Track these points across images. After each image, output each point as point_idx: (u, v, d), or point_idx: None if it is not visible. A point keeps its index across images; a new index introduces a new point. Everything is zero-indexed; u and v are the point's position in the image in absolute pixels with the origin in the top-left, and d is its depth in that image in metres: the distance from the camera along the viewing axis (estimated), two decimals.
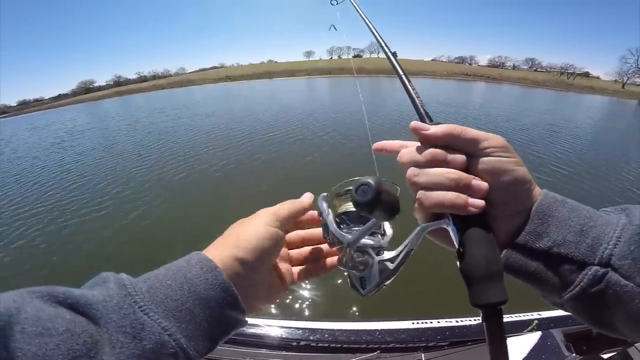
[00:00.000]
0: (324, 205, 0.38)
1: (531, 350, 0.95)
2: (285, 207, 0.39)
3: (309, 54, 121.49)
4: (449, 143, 0.33)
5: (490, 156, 0.32)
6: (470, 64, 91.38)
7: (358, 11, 0.52)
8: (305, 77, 46.27)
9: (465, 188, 0.31)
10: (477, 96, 23.65)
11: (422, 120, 0.37)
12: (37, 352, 0.20)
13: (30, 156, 11.81)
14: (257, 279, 0.35)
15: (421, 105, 0.39)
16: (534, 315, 1.09)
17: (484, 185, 0.31)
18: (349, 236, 0.35)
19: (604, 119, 16.15)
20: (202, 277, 0.30)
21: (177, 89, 51.42)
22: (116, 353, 0.24)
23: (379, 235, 0.38)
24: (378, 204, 0.32)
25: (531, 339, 1.00)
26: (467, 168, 0.33)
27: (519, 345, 0.98)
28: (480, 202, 0.31)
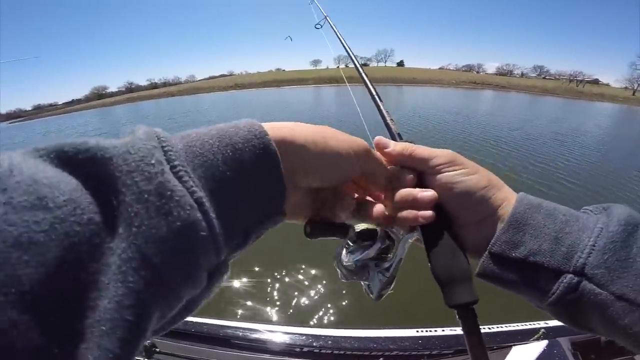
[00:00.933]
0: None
1: (537, 358, 0.93)
2: (373, 160, 0.34)
3: (315, 62, 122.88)
4: (402, 163, 0.36)
5: (439, 173, 0.34)
6: (478, 72, 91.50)
7: (337, 34, 0.60)
8: (313, 86, 46.63)
9: (414, 202, 0.33)
10: (484, 105, 23.50)
11: (393, 138, 0.40)
12: (21, 236, 0.14)
13: None
14: (303, 190, 0.30)
15: (391, 122, 0.41)
16: (541, 323, 1.07)
17: (427, 196, 0.33)
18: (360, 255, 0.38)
19: (614, 127, 15.87)
20: (249, 142, 0.23)
21: (186, 96, 52.30)
22: (131, 234, 0.17)
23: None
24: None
25: (537, 347, 0.99)
26: (425, 185, 0.35)
27: (525, 354, 0.96)
28: (428, 213, 0.33)
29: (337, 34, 0.58)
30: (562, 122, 15.23)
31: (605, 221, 0.29)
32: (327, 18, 0.65)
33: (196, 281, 0.20)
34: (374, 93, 0.45)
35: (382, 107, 0.42)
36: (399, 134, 0.40)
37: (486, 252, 0.32)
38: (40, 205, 0.15)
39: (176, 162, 0.19)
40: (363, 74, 0.49)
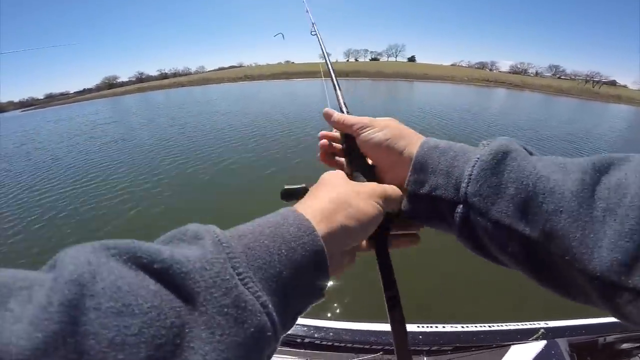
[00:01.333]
0: None
1: (535, 358, 0.94)
2: (394, 192, 0.37)
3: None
4: (340, 129, 0.43)
5: (360, 135, 0.40)
6: (491, 70, 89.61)
7: (320, 43, 0.72)
8: (322, 79, 46.17)
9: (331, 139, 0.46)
10: (495, 103, 23.08)
11: (340, 110, 0.48)
12: (115, 339, 0.15)
13: (50, 152, 12.25)
14: (341, 253, 0.32)
15: (342, 98, 0.52)
16: (541, 324, 1.08)
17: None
18: None
19: (629, 130, 15.46)
20: (300, 240, 0.26)
21: (196, 86, 52.40)
22: (215, 341, 0.19)
23: None
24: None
25: (536, 347, 0.99)
26: (356, 145, 0.41)
27: (523, 353, 0.97)
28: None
29: (320, 43, 0.71)
30: (575, 124, 14.91)
31: (481, 152, 0.31)
32: (314, 25, 0.76)
33: None
34: (335, 85, 0.56)
35: (339, 95, 0.52)
36: (346, 105, 0.50)
37: (405, 194, 0.36)
38: (127, 312, 0.16)
39: (241, 270, 0.22)
40: (331, 70, 0.60)
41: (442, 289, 3.12)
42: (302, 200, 0.33)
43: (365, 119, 0.41)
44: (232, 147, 8.86)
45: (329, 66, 0.61)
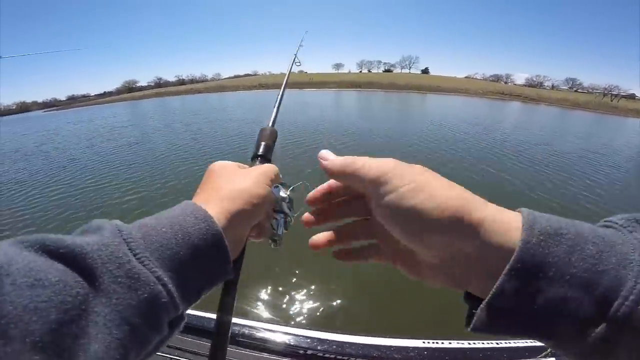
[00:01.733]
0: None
1: None
2: (274, 172, 0.43)
3: (338, 66, 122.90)
4: (341, 180, 0.34)
5: (379, 196, 0.28)
6: (506, 83, 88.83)
7: (292, 61, 0.85)
8: (335, 90, 46.58)
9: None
10: (510, 116, 22.69)
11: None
12: (28, 305, 0.19)
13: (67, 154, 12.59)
14: (242, 234, 0.37)
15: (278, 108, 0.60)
16: None
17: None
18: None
19: None
20: (196, 226, 0.30)
21: (212, 93, 53.56)
22: (112, 304, 0.23)
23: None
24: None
25: None
26: (369, 210, 0.34)
27: None
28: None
29: (292, 61, 0.84)
30: (591, 139, 14.50)
31: None
32: (296, 57, 0.89)
33: (160, 330, 0.27)
34: (279, 97, 0.63)
35: (278, 105, 0.60)
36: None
37: (482, 305, 0.24)
38: (38, 284, 0.21)
39: (138, 251, 0.26)
40: (285, 80, 0.70)
41: (446, 304, 3.02)
42: (203, 190, 0.37)
43: (388, 162, 0.29)
44: (242, 154, 8.95)
45: (288, 75, 0.74)
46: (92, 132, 17.75)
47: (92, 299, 0.23)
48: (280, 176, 0.46)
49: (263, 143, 0.50)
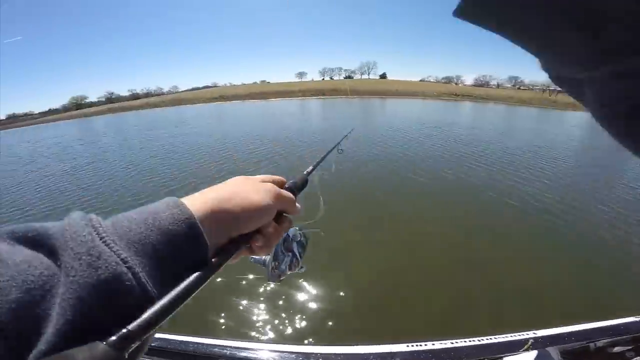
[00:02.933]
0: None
1: None
2: (288, 196, 0.44)
3: (301, 74, 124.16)
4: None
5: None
6: (457, 84, 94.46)
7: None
8: (300, 98, 46.68)
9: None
10: (463, 117, 24.02)
11: None
12: None
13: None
14: (227, 234, 0.36)
15: None
16: (529, 333, 1.07)
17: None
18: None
19: (588, 137, 16.50)
20: (168, 211, 0.30)
21: (169, 107, 51.48)
22: (69, 281, 0.23)
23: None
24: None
25: (528, 357, 0.98)
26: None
27: None
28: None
29: (335, 146, 0.86)
30: (538, 133, 15.78)
31: None
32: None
33: (124, 315, 0.24)
34: (319, 159, 0.68)
35: (318, 162, 0.66)
36: None
37: None
38: (1, 265, 0.21)
39: (104, 234, 0.26)
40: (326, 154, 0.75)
41: (428, 306, 3.10)
42: (209, 189, 0.38)
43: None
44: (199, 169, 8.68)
45: None
46: (39, 152, 16.25)
47: (57, 281, 0.23)
48: (298, 207, 0.47)
49: (292, 179, 0.52)
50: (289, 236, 0.53)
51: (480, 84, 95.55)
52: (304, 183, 0.54)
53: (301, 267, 0.54)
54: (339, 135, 0.97)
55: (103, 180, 8.91)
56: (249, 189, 0.39)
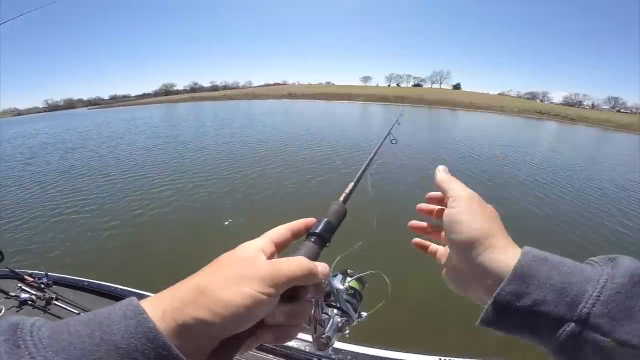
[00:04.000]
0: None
1: None
2: (291, 270, 0.31)
3: (366, 79, 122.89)
4: (440, 189, 0.44)
5: (447, 206, 0.41)
6: (541, 101, 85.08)
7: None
8: (363, 103, 46.40)
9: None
10: (545, 138, 21.58)
11: None
12: None
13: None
14: (203, 345, 0.28)
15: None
16: None
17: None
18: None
19: None
20: (121, 323, 0.25)
21: (243, 100, 55.30)
22: None
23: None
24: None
25: None
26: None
27: None
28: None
29: (386, 136, 0.80)
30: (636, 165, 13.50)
31: (610, 273, 0.30)
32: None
33: None
34: (359, 172, 0.58)
35: (356, 181, 0.55)
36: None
37: (489, 301, 0.33)
38: None
39: (33, 351, 0.22)
40: (375, 152, 0.67)
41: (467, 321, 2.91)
42: (181, 282, 0.31)
43: (467, 191, 0.41)
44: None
45: None
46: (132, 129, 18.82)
47: None
48: (322, 270, 0.34)
49: (325, 220, 0.40)
50: (332, 288, 0.42)
51: (571, 103, 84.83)
52: (339, 217, 0.43)
53: (359, 317, 0.44)
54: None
55: (174, 159, 10.03)
56: (221, 281, 0.29)
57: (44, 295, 2.08)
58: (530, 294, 0.31)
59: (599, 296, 0.29)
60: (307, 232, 0.39)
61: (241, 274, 0.30)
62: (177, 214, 5.65)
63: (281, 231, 0.37)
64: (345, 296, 0.42)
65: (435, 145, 12.76)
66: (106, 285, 2.22)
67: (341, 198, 0.47)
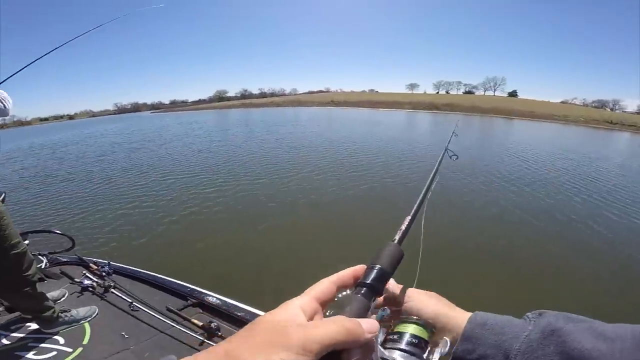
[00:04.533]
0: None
1: None
2: (327, 335, 0.27)
3: (412, 86, 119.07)
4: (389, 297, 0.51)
5: (405, 305, 0.49)
6: (612, 109, 75.90)
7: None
8: (409, 111, 45.11)
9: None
10: (615, 150, 18.94)
11: None
12: None
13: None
14: None
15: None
16: None
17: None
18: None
19: None
20: None
21: (289, 107, 57.03)
22: None
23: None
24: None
25: None
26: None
27: None
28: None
29: (444, 150, 0.89)
30: None
31: (530, 329, 0.40)
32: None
33: None
34: (415, 205, 0.54)
35: (411, 219, 0.51)
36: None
37: (451, 357, 0.44)
38: None
39: None
40: (434, 171, 0.65)
41: None
42: (210, 349, 0.27)
43: (410, 292, 0.49)
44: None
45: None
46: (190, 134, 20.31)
47: None
48: (371, 327, 0.30)
49: (377, 267, 0.36)
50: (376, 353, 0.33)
51: None
52: (394, 262, 0.37)
53: None
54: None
55: (222, 163, 10.60)
56: (249, 349, 0.26)
57: (103, 283, 2.29)
58: (476, 350, 0.42)
59: (519, 349, 0.39)
60: (356, 281, 0.35)
61: (272, 341, 0.27)
62: (224, 213, 5.95)
63: (325, 285, 0.34)
64: (405, 346, 0.39)
65: (501, 162, 11.95)
66: (160, 277, 2.38)
67: (396, 237, 0.42)
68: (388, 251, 0.38)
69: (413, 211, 0.49)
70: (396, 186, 7.57)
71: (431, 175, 0.60)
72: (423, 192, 0.54)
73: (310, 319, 0.30)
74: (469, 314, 0.46)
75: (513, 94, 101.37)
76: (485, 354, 0.41)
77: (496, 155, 12.70)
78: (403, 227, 0.44)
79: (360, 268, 0.37)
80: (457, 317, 0.46)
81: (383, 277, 0.35)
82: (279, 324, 0.28)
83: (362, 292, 0.33)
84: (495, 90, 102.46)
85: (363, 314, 0.32)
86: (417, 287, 0.50)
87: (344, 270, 0.36)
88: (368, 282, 0.34)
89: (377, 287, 0.34)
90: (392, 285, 0.50)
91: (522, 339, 0.39)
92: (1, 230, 1.63)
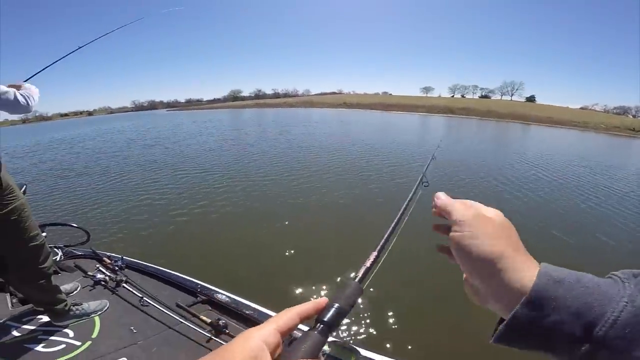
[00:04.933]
0: None
1: None
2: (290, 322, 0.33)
3: (427, 89, 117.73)
4: (440, 214, 0.42)
5: (455, 235, 0.38)
6: (634, 116, 73.21)
7: None
8: (423, 114, 44.36)
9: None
10: (636, 157, 18.37)
11: None
12: None
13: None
14: None
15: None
16: None
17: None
18: None
19: None
20: None
21: (301, 108, 57.17)
22: None
23: None
24: None
25: None
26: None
27: None
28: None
29: (420, 180, 0.73)
30: None
31: (631, 294, 0.29)
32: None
33: None
34: (381, 243, 0.50)
35: (375, 258, 0.47)
36: None
37: (505, 321, 0.33)
38: None
39: None
40: (408, 200, 0.59)
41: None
42: None
43: (471, 211, 0.39)
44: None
45: None
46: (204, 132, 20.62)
47: None
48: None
49: (335, 306, 0.38)
50: None
51: None
52: (352, 302, 0.40)
53: None
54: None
55: (234, 161, 10.69)
56: None
57: (115, 277, 2.32)
58: (545, 317, 0.31)
59: (617, 319, 0.28)
60: (316, 317, 0.37)
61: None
62: (235, 211, 6.00)
63: (289, 316, 0.35)
64: None
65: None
66: (170, 273, 2.40)
67: (359, 274, 0.43)
68: (348, 291, 0.40)
69: (379, 247, 0.47)
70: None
71: (402, 208, 0.56)
72: (392, 226, 0.51)
73: (273, 353, 0.31)
74: (532, 270, 0.34)
75: (531, 98, 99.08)
76: (560, 321, 0.30)
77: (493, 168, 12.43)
78: (368, 264, 0.45)
79: (322, 301, 0.38)
80: (523, 267, 0.34)
81: (340, 316, 0.37)
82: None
83: (320, 329, 0.35)
84: (512, 95, 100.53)
85: (316, 352, 0.33)
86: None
87: (308, 303, 0.37)
88: (326, 319, 0.36)
89: (333, 326, 0.36)
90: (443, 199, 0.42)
91: (620, 306, 0.29)
92: (22, 222, 1.65)
